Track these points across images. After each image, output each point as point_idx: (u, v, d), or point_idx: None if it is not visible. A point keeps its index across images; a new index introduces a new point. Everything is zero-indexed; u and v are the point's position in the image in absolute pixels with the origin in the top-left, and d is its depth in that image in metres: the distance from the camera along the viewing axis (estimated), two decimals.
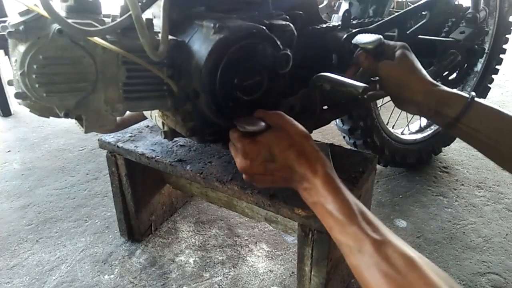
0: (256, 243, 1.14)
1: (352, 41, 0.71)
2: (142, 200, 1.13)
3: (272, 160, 0.56)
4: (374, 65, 0.69)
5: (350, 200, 0.51)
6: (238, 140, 0.58)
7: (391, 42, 0.70)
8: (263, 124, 0.57)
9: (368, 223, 0.48)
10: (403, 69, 0.67)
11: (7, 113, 2.17)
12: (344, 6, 0.98)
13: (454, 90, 0.66)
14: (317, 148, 0.57)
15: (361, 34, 0.71)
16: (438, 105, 0.66)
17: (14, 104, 2.21)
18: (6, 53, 2.00)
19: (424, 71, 0.68)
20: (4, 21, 0.53)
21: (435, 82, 0.67)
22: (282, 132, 0.57)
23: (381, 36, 0.68)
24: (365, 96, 0.56)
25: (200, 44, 0.57)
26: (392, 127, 1.44)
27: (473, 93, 0.65)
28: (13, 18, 0.52)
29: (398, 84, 0.68)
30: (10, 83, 0.57)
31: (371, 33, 0.72)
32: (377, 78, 0.70)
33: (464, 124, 0.64)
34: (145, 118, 0.88)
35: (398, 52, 0.68)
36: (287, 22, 0.64)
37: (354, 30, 0.77)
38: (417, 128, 1.56)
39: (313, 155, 0.55)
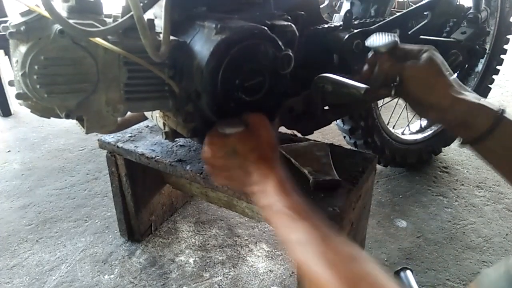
0: (256, 243, 1.14)
1: (365, 42, 0.67)
2: (142, 200, 1.13)
3: (233, 157, 0.58)
4: (396, 67, 0.64)
5: (300, 201, 0.53)
6: (210, 132, 0.60)
7: (416, 46, 0.65)
8: (241, 128, 0.59)
9: (316, 220, 0.50)
10: (430, 72, 0.62)
11: (7, 113, 2.17)
12: (346, 6, 0.98)
13: (483, 101, 0.60)
14: (277, 160, 0.58)
15: (376, 34, 0.67)
16: (465, 114, 0.60)
17: (14, 104, 2.20)
18: (7, 53, 1.99)
19: (452, 76, 0.63)
20: (5, 22, 0.53)
21: (464, 87, 0.62)
22: (253, 135, 0.58)
23: (397, 40, 0.64)
24: (367, 98, 0.55)
25: (202, 44, 0.56)
26: (393, 127, 1.44)
27: (503, 107, 0.59)
28: (14, 18, 0.52)
29: (423, 88, 0.62)
30: (11, 83, 0.56)
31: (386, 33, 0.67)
32: (395, 83, 0.65)
33: (492, 140, 0.58)
34: (146, 118, 0.88)
35: (425, 54, 0.63)
36: (289, 23, 0.64)
37: (355, 31, 0.77)
38: (417, 128, 1.56)
39: (271, 162, 0.57)
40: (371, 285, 0.42)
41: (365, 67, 0.68)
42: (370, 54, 0.67)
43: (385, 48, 0.63)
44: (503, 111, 0.58)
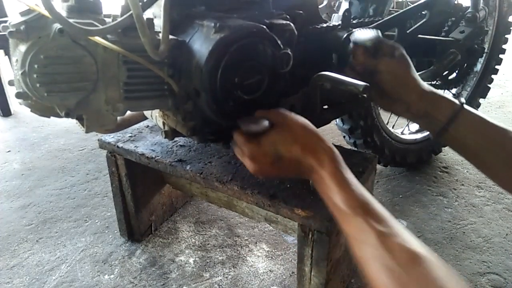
0: (256, 243, 1.14)
1: (350, 38, 0.72)
2: (142, 200, 1.13)
3: (280, 158, 0.57)
4: (370, 61, 0.70)
5: (356, 191, 0.51)
6: (244, 144, 0.59)
7: (389, 41, 0.71)
8: (266, 123, 0.58)
9: (374, 214, 0.48)
10: (403, 68, 0.68)
11: (7, 113, 2.17)
12: (344, 5, 0.98)
13: (446, 95, 0.67)
14: (321, 138, 0.57)
15: (359, 31, 0.72)
16: (428, 107, 0.67)
17: (14, 104, 2.21)
18: (6, 53, 2.00)
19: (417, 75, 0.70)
20: (5, 21, 0.53)
21: (428, 86, 0.69)
22: (285, 129, 0.57)
23: (379, 33, 0.69)
24: (365, 95, 0.56)
25: (201, 43, 0.57)
26: (392, 127, 1.44)
27: (463, 100, 0.66)
28: (14, 18, 0.52)
29: (395, 81, 0.68)
30: (11, 83, 0.57)
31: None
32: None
33: (453, 130, 0.65)
34: (146, 118, 0.88)
35: (398, 51, 0.69)
36: (287, 22, 0.64)
37: (354, 30, 0.77)
38: (417, 128, 1.56)
39: (318, 146, 0.56)
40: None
41: (351, 58, 0.72)
42: (352, 46, 0.72)
43: (371, 42, 0.68)
44: (462, 103, 0.65)
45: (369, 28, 0.74)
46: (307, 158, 0.55)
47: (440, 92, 0.68)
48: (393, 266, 0.43)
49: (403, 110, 0.70)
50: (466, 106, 0.65)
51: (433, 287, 0.40)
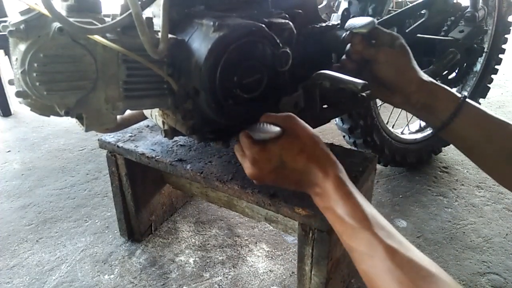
0: (256, 243, 1.14)
1: (345, 26, 0.69)
2: (142, 200, 1.13)
3: (283, 167, 0.55)
4: (369, 49, 0.68)
5: (362, 204, 0.50)
6: (248, 148, 0.57)
7: (386, 30, 0.69)
8: (276, 129, 0.56)
9: (381, 229, 0.47)
10: (403, 58, 0.67)
11: (7, 113, 2.17)
12: (344, 5, 0.98)
13: (446, 87, 0.66)
14: (328, 152, 0.55)
15: (353, 18, 0.69)
16: (428, 99, 0.65)
17: (14, 104, 2.21)
18: (6, 53, 2.00)
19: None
20: (5, 21, 0.53)
21: (428, 77, 0.67)
22: (293, 137, 0.55)
23: (374, 19, 0.67)
24: (364, 94, 0.56)
25: (200, 42, 0.57)
26: (392, 127, 1.44)
27: (465, 93, 0.65)
28: (14, 17, 0.53)
29: (395, 72, 0.67)
30: (11, 82, 0.57)
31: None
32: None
33: (455, 123, 0.63)
34: (146, 118, 0.89)
35: (399, 41, 0.67)
36: (286, 21, 0.64)
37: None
38: (417, 127, 1.56)
39: (324, 159, 0.54)
40: None
41: (348, 47, 0.70)
42: (347, 34, 0.69)
43: (366, 28, 0.66)
44: (465, 96, 0.63)
45: (361, 16, 0.72)
46: (311, 169, 0.53)
47: (440, 83, 0.67)
48: (403, 279, 0.41)
49: (402, 102, 0.68)
50: (467, 99, 0.64)
51: None
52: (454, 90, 0.65)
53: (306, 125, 0.58)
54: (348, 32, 0.69)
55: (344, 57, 0.70)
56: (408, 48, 0.67)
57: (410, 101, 0.67)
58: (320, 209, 0.55)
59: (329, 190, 0.51)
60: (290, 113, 0.59)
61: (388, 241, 0.45)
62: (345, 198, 0.50)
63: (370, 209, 0.50)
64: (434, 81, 0.67)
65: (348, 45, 0.69)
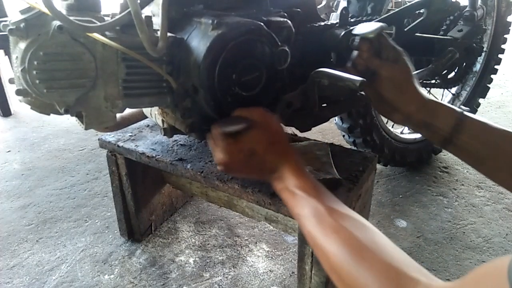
0: (256, 243, 1.14)
1: (353, 32, 0.69)
2: (142, 200, 1.13)
3: (252, 157, 0.59)
4: (374, 60, 0.67)
5: (312, 181, 0.56)
6: (220, 138, 0.61)
7: (392, 43, 0.68)
8: (243, 124, 0.59)
9: (326, 198, 0.53)
10: (405, 76, 0.66)
11: (7, 113, 2.18)
12: (343, 4, 0.99)
13: (446, 103, 0.66)
14: (289, 144, 0.62)
15: (362, 24, 0.69)
16: (428, 117, 0.65)
17: (14, 104, 2.21)
18: (7, 53, 2.01)
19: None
20: (5, 21, 0.53)
21: (428, 95, 0.67)
22: (263, 129, 0.60)
23: (383, 25, 0.66)
24: (363, 92, 0.56)
25: (199, 40, 0.57)
26: (392, 126, 1.44)
27: (464, 107, 0.66)
28: (14, 16, 0.53)
29: (395, 90, 0.66)
30: (11, 81, 0.57)
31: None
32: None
33: (457, 139, 0.63)
34: (145, 117, 0.89)
35: (402, 58, 0.67)
36: (285, 19, 0.64)
37: (351, 28, 0.77)
38: None
39: (287, 149, 0.60)
40: (377, 251, 0.43)
41: (354, 53, 0.69)
42: (356, 40, 0.69)
43: (373, 33, 0.65)
44: (464, 110, 0.64)
45: (371, 22, 0.71)
46: (277, 157, 0.59)
47: (439, 100, 0.66)
48: (340, 228, 0.47)
49: (403, 120, 0.68)
50: (466, 113, 0.64)
51: (378, 246, 0.44)
52: (453, 106, 0.65)
53: (274, 118, 0.62)
54: (356, 38, 0.68)
55: (349, 63, 0.70)
56: (410, 65, 0.67)
57: (410, 120, 0.67)
58: (277, 192, 0.61)
59: (286, 172, 0.58)
60: (261, 108, 0.62)
61: (331, 205, 0.52)
62: (297, 176, 0.57)
63: (318, 185, 0.56)
64: (435, 98, 0.67)
65: (355, 52, 0.69)
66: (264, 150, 0.59)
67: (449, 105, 0.65)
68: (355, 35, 0.67)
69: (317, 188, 0.55)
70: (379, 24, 0.66)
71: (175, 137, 0.98)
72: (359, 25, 0.70)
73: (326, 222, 0.49)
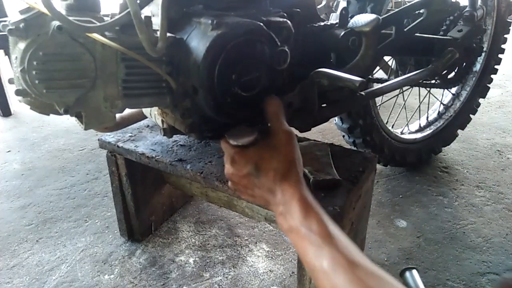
0: (256, 243, 1.14)
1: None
2: (142, 200, 1.13)
3: (256, 176, 0.56)
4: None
5: (326, 222, 0.50)
6: (228, 148, 0.60)
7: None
8: (252, 137, 0.58)
9: (344, 245, 0.48)
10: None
11: (7, 113, 2.18)
12: (342, 4, 0.99)
13: None
14: (300, 174, 0.56)
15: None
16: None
17: (14, 104, 2.21)
18: (6, 53, 2.01)
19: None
20: (5, 21, 0.53)
21: None
22: (275, 151, 0.56)
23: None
24: (362, 93, 0.56)
25: (198, 40, 0.57)
26: (392, 126, 1.44)
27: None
28: (14, 16, 0.53)
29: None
30: (11, 81, 0.57)
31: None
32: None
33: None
34: (145, 117, 0.89)
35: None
36: (285, 19, 0.64)
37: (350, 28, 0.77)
38: (416, 127, 1.56)
39: (295, 181, 0.55)
40: None
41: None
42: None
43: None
44: None
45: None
46: (282, 186, 0.54)
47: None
48: None
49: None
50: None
51: None
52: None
53: (297, 146, 0.57)
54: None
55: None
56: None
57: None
58: (283, 231, 0.54)
59: (295, 209, 0.52)
60: (292, 130, 0.58)
61: (351, 255, 0.46)
62: (310, 217, 0.50)
63: (333, 226, 0.50)
64: None
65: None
66: (269, 172, 0.55)
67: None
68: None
69: (333, 233, 0.49)
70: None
71: (175, 137, 0.98)
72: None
73: (348, 280, 0.43)
